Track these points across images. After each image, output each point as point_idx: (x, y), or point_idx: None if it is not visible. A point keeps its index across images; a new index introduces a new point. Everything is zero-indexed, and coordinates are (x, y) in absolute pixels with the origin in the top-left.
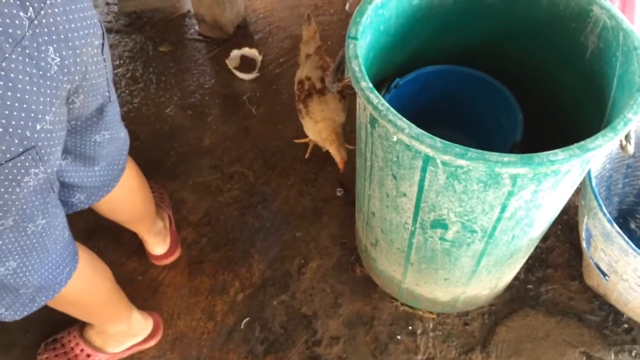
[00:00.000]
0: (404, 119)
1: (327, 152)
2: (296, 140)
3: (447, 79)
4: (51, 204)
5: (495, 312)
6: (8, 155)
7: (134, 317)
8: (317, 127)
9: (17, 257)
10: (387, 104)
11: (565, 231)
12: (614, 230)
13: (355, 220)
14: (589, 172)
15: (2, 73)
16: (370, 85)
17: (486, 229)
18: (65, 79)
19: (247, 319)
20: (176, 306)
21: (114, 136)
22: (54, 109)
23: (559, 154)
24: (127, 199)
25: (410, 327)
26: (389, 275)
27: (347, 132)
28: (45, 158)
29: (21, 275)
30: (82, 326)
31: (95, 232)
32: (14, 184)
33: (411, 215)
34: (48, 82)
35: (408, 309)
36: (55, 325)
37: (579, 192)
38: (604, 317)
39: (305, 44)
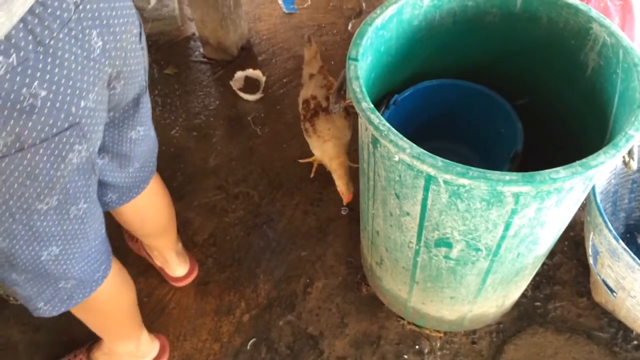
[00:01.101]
0: (405, 139)
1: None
2: (301, 160)
3: (444, 93)
4: (92, 188)
5: (503, 330)
6: (54, 130)
7: (143, 338)
8: (325, 146)
9: (59, 242)
10: (388, 125)
11: (572, 247)
12: (620, 246)
13: (360, 238)
14: (593, 188)
15: (50, 51)
16: (372, 106)
17: (491, 247)
18: (107, 62)
19: (254, 339)
20: (182, 327)
21: (147, 134)
22: (96, 89)
23: (560, 171)
24: (154, 204)
25: (417, 346)
26: (395, 294)
27: (352, 151)
28: (88, 136)
29: (62, 263)
30: (89, 348)
31: None
32: (59, 159)
33: (415, 234)
34: (91, 64)
35: (415, 327)
36: (63, 346)
37: (584, 207)
38: (613, 334)
39: (308, 64)
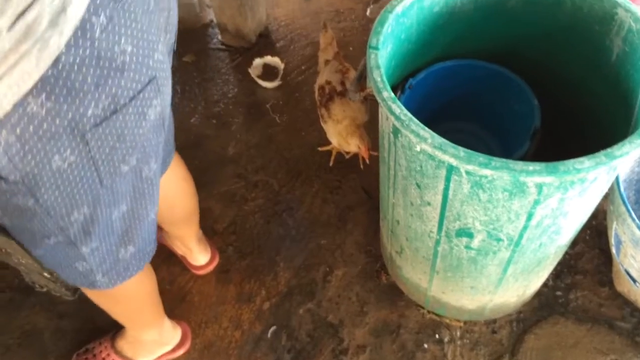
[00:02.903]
0: (427, 128)
1: (351, 159)
2: (320, 148)
3: (458, 74)
4: (160, 147)
5: (523, 319)
6: (139, 86)
7: (165, 325)
8: (339, 127)
9: (129, 201)
10: (409, 114)
11: (594, 236)
12: None
13: (380, 227)
14: (617, 177)
15: (125, 7)
16: (393, 95)
17: (512, 237)
18: (160, 13)
19: (274, 327)
20: (204, 315)
21: (169, 100)
22: (161, 39)
23: (585, 161)
24: (182, 189)
25: (437, 336)
26: (415, 283)
27: (371, 138)
28: (162, 89)
29: (129, 221)
30: (113, 337)
31: None
32: (142, 116)
33: (436, 223)
34: (152, 16)
35: (435, 316)
36: (87, 333)
37: (607, 196)
38: (635, 324)
39: (323, 50)
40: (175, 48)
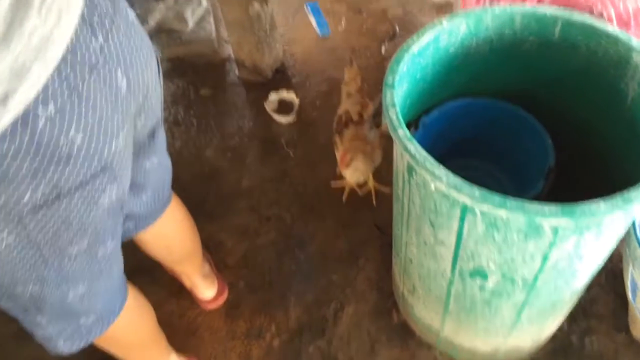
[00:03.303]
0: (442, 167)
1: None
2: (333, 184)
3: (470, 112)
4: (119, 226)
5: None
6: (89, 175)
7: None
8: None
9: (86, 281)
10: (425, 153)
11: (609, 279)
12: None
13: (392, 264)
14: (633, 220)
15: (84, 96)
16: (408, 134)
17: (527, 279)
18: (132, 99)
19: None
20: (213, 350)
21: (161, 162)
22: (125, 128)
23: (601, 205)
24: (178, 230)
25: None
26: (427, 323)
27: (384, 174)
28: (119, 178)
29: (87, 300)
30: None
31: (136, 272)
32: (92, 203)
33: (449, 263)
34: (119, 103)
35: (447, 358)
36: None
37: (623, 239)
38: None
39: (347, 84)
40: (162, 114)
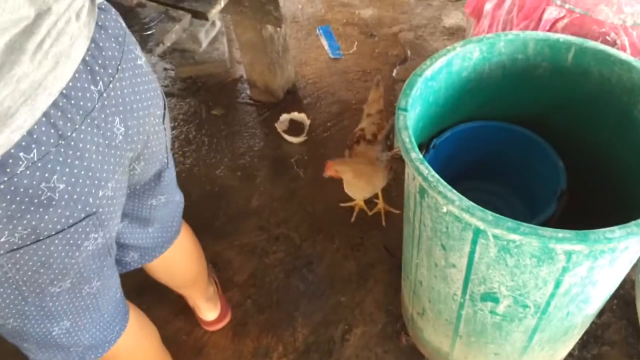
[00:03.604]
0: (454, 190)
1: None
2: (342, 204)
3: (481, 135)
4: (107, 266)
5: None
6: (71, 221)
7: None
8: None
9: (70, 317)
10: (437, 176)
11: (621, 306)
12: None
13: (401, 286)
14: None
15: (72, 143)
16: (421, 156)
17: (539, 304)
18: (129, 147)
19: None
20: None
21: (170, 199)
22: (116, 176)
23: (615, 231)
24: (181, 261)
25: None
26: (436, 347)
27: (394, 196)
28: (105, 224)
29: (73, 334)
30: None
31: (144, 290)
32: (74, 248)
33: (460, 286)
34: (113, 151)
35: None
36: None
37: (635, 266)
38: None
39: (369, 105)
40: (168, 159)
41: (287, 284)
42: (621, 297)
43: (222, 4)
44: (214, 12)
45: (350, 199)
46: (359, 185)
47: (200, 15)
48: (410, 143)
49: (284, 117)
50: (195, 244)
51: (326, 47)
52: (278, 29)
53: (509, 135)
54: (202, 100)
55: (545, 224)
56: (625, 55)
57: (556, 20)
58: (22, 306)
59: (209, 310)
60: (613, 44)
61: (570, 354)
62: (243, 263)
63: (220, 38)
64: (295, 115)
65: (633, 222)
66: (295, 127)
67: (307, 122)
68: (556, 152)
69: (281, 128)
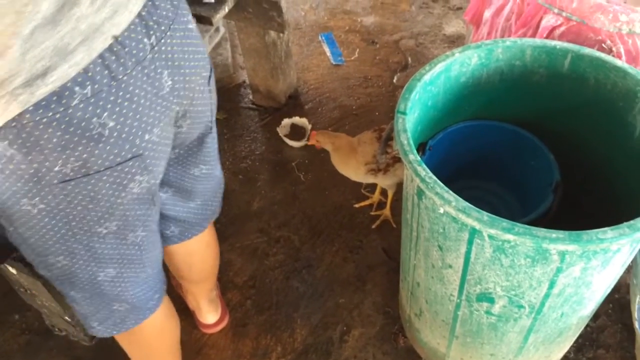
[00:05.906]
0: (451, 191)
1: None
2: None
3: (474, 134)
4: (151, 219)
5: None
6: (118, 159)
7: None
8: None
9: (116, 265)
10: (434, 177)
11: (616, 310)
12: None
13: (399, 289)
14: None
15: (123, 85)
16: (419, 158)
17: (534, 304)
18: (175, 100)
19: None
20: None
21: (211, 172)
22: (162, 124)
23: (608, 232)
24: (203, 253)
25: None
26: (433, 348)
27: (392, 200)
28: (150, 168)
29: (117, 285)
30: None
31: None
32: (120, 188)
33: (457, 287)
34: (159, 101)
35: None
36: None
37: (630, 270)
38: None
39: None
40: (213, 123)
41: (287, 286)
42: (616, 301)
43: (227, 10)
44: (218, 17)
45: (357, 201)
46: (335, 159)
47: (204, 20)
48: (409, 145)
49: (286, 121)
50: (216, 240)
51: (328, 54)
52: (281, 35)
53: (501, 133)
54: None
55: (544, 218)
56: (621, 63)
57: (553, 28)
58: (71, 243)
59: (209, 313)
60: (609, 51)
61: (565, 357)
62: (243, 265)
63: (224, 44)
64: (296, 120)
65: (625, 223)
66: (296, 132)
67: (309, 127)
68: (549, 150)
69: (283, 132)
